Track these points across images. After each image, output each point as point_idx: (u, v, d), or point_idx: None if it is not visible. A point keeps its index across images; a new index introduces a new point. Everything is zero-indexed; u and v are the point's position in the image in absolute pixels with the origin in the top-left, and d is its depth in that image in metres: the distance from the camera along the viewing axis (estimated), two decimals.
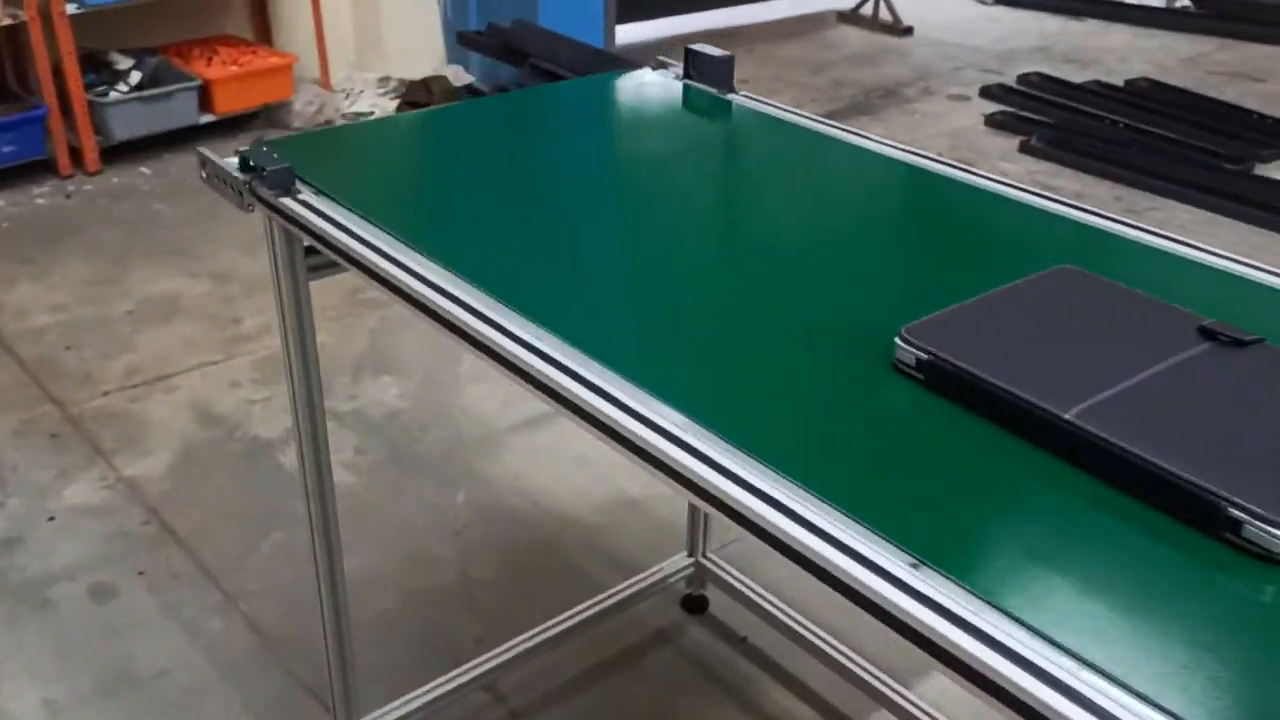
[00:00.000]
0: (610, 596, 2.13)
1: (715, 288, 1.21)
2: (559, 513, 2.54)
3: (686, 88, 1.81)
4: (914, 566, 0.83)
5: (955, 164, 1.56)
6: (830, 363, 1.09)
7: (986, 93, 5.35)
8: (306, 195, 1.39)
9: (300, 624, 2.20)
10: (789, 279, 1.23)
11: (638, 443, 0.98)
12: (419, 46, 5.26)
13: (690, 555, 2.23)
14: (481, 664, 1.98)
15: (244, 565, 2.36)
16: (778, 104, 1.76)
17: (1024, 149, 4.71)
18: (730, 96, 1.78)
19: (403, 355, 3.13)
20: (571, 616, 2.08)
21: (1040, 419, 0.97)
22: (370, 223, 1.33)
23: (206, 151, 1.50)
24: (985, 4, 7.11)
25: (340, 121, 4.87)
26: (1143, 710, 0.71)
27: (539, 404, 2.88)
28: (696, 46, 1.83)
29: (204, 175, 1.51)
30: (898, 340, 1.07)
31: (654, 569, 2.21)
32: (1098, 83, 5.46)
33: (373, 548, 2.41)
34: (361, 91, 5.09)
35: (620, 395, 1.03)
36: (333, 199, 1.38)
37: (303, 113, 4.78)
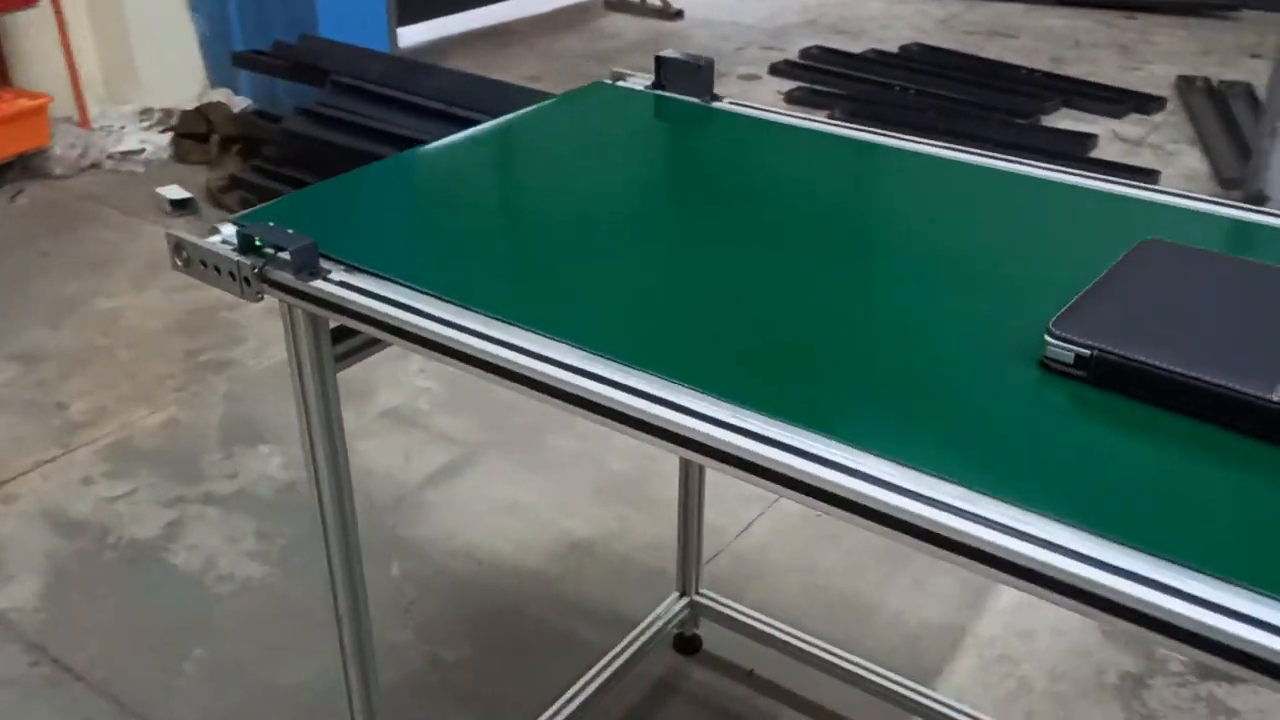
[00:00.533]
0: (615, 658, 1.96)
1: (827, 307, 1.07)
2: (510, 569, 2.34)
3: (670, 100, 1.65)
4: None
5: (972, 150, 1.48)
6: (973, 370, 0.99)
7: (776, 70, 5.41)
8: (339, 274, 1.16)
9: None
10: (888, 291, 1.12)
11: (888, 513, 0.83)
12: (176, 71, 4.79)
13: (683, 595, 2.09)
14: None
15: (170, 694, 2.04)
16: (760, 106, 1.65)
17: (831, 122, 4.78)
18: (716, 105, 1.65)
19: (272, 419, 2.81)
20: (579, 692, 1.90)
21: (1244, 404, 0.91)
22: (432, 295, 1.11)
23: (182, 234, 1.23)
24: None
25: (108, 164, 4.36)
26: None
27: (444, 454, 2.68)
28: (668, 54, 1.68)
29: (180, 263, 1.24)
30: (1049, 338, 0.98)
31: (651, 617, 2.05)
32: (875, 51, 5.63)
33: (318, 646, 2.13)
34: (123, 128, 4.58)
35: (813, 449, 0.88)
36: (371, 273, 1.15)
37: (65, 158, 4.25)
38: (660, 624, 2.03)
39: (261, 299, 1.21)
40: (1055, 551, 0.78)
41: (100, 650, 2.12)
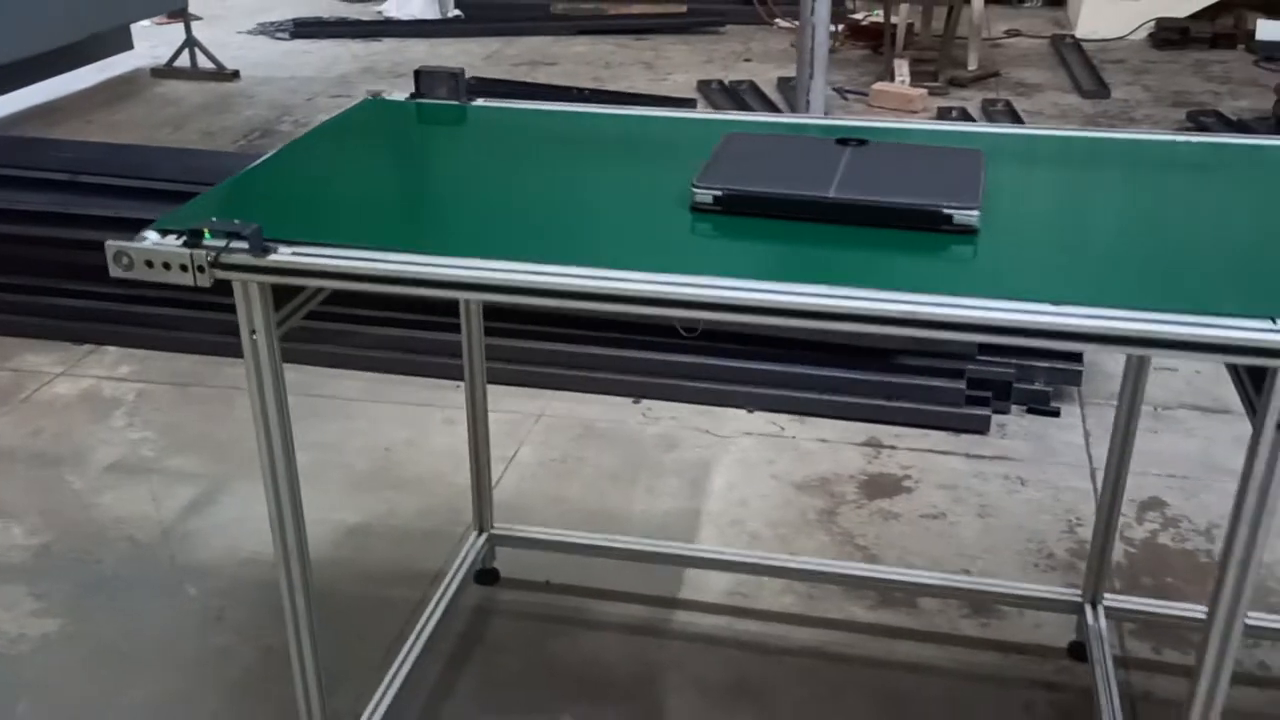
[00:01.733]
0: (440, 599, 2.25)
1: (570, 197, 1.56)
2: None
3: (438, 105, 2.01)
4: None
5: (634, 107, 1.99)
6: (655, 218, 1.54)
7: None
8: (286, 248, 1.43)
9: None
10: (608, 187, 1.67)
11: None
12: None
13: (481, 531, 2.42)
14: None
15: None
16: (516, 102, 2.05)
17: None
18: (474, 104, 2.03)
19: None
20: (421, 631, 2.18)
21: (816, 203, 1.51)
22: (354, 247, 1.42)
23: (119, 242, 1.43)
24: (283, 40, 7.40)
25: None
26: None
27: (190, 488, 2.81)
28: (425, 68, 2.04)
29: (121, 269, 1.44)
30: (695, 189, 1.53)
31: (460, 556, 2.37)
32: None
33: (155, 673, 2.23)
34: None
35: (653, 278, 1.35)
36: (303, 243, 1.43)
37: None
38: (469, 560, 2.36)
39: (212, 284, 1.44)
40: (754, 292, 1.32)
41: None
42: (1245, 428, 1.32)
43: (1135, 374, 2.03)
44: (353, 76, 6.51)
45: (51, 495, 2.78)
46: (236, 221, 1.42)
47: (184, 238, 1.43)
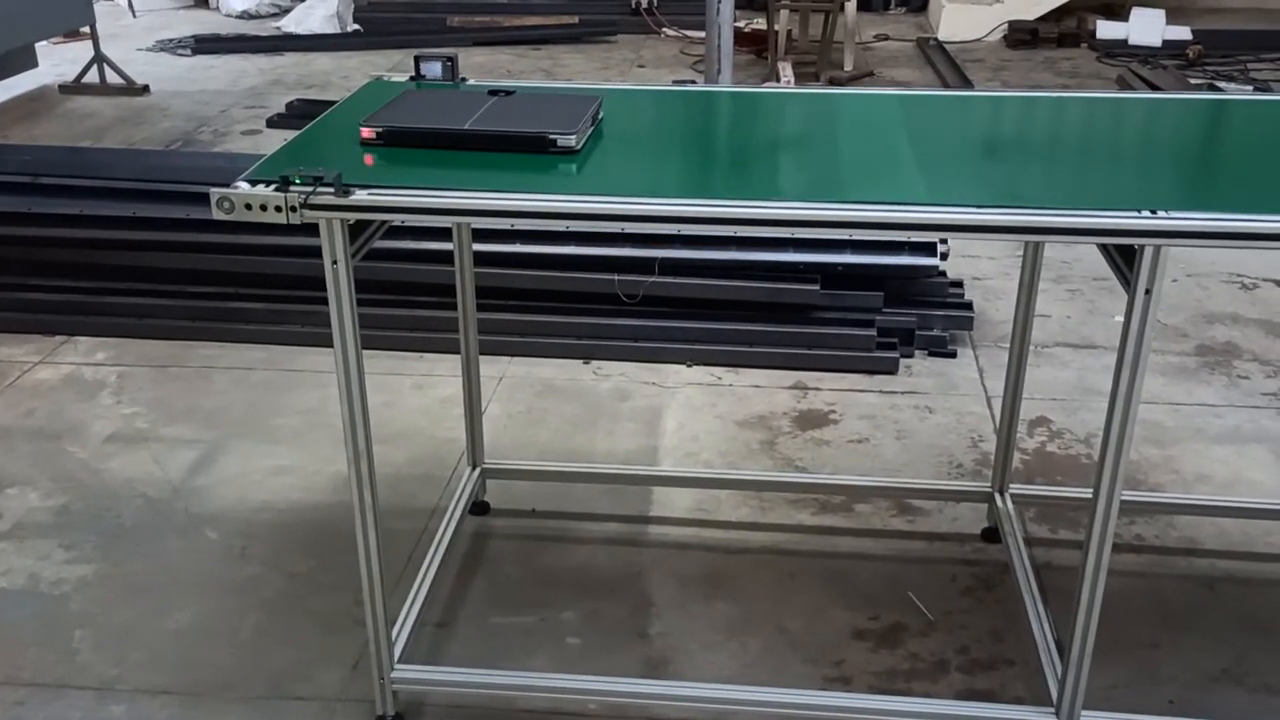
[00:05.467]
0: (447, 527, 2.56)
1: None
2: (309, 506, 2.81)
3: (438, 83, 2.33)
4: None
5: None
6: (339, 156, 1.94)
7: (272, 123, 5.92)
8: (361, 190, 1.74)
9: None
10: None
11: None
12: None
13: (475, 466, 2.74)
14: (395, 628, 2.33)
15: (77, 668, 2.30)
16: (499, 81, 2.39)
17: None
18: (467, 83, 2.36)
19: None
20: (435, 553, 2.48)
21: (453, 133, 1.92)
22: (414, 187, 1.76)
23: (221, 190, 1.73)
24: (185, 56, 7.53)
25: None
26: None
27: (190, 451, 3.08)
28: (421, 52, 2.36)
29: (223, 212, 1.73)
30: (361, 127, 1.93)
31: (457, 489, 2.68)
32: None
33: (193, 599, 2.49)
34: None
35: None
36: (376, 186, 1.75)
37: None
38: (467, 491, 2.68)
39: (301, 222, 1.74)
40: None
41: None
42: (1111, 359, 1.75)
43: (1025, 302, 2.48)
44: (262, 88, 6.70)
45: (58, 464, 2.99)
46: (320, 169, 1.73)
47: (274, 185, 1.74)
